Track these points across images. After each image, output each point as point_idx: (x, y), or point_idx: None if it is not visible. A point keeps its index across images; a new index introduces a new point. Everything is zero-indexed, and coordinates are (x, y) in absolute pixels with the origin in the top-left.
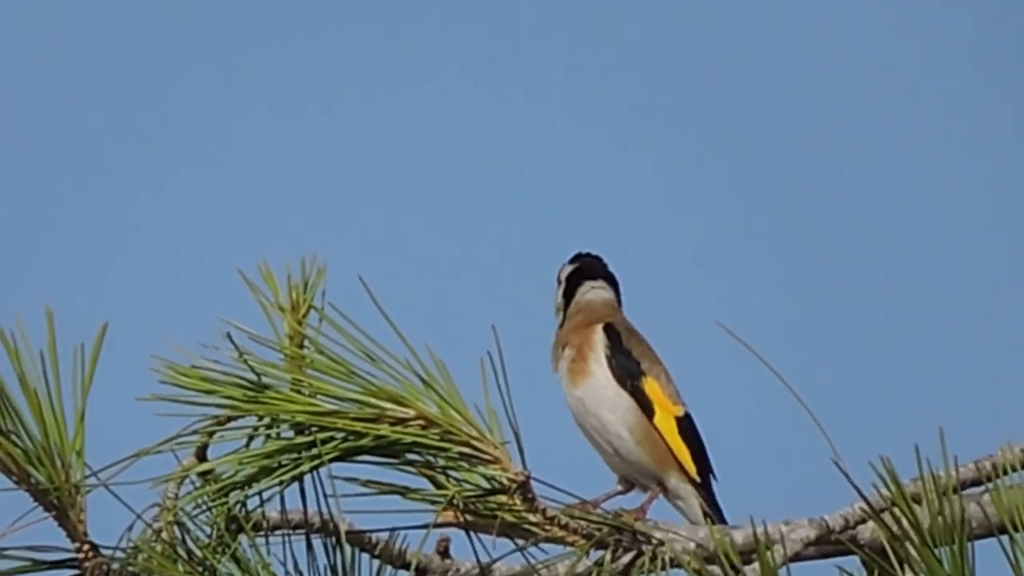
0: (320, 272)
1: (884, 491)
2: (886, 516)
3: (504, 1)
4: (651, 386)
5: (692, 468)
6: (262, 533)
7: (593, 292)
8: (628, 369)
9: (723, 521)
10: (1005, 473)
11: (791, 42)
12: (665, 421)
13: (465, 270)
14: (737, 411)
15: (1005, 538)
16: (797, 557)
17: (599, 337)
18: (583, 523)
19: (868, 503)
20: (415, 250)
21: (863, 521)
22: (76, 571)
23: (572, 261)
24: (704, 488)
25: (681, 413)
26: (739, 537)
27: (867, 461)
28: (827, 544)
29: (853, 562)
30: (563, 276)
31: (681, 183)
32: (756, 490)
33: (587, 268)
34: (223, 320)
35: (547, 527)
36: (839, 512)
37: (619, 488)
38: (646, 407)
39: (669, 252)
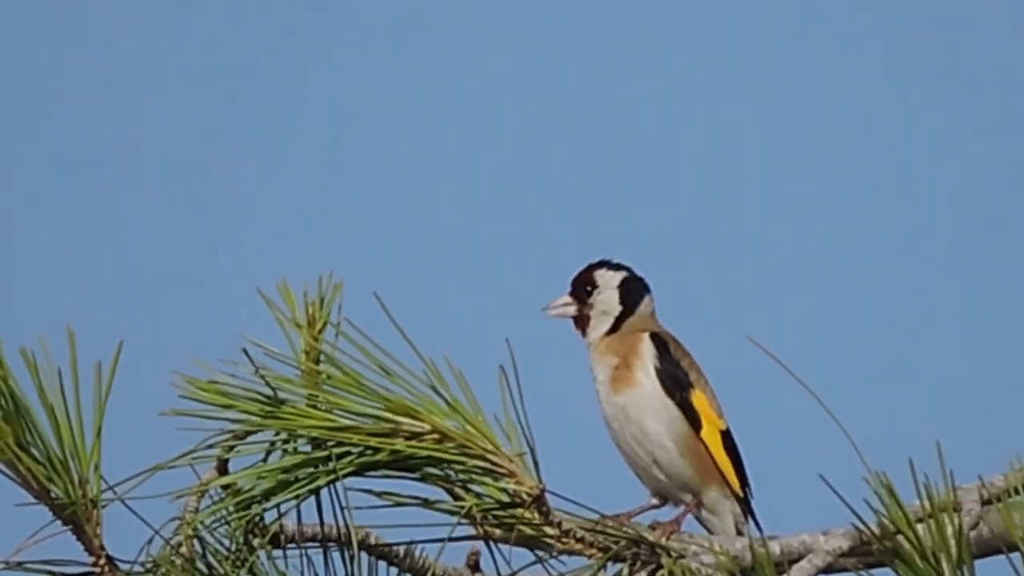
0: (336, 288)
1: (882, 510)
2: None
3: None
4: (699, 399)
5: (735, 482)
6: (281, 546)
7: (650, 308)
8: (677, 380)
9: (762, 533)
10: (1017, 492)
11: None
12: (711, 435)
13: (478, 282)
14: (781, 419)
15: (1014, 555)
16: (831, 569)
17: (647, 347)
18: (600, 537)
19: (864, 523)
20: (429, 264)
21: (898, 532)
22: None
23: (613, 268)
24: (744, 502)
25: (724, 428)
26: (776, 548)
27: (861, 477)
28: (864, 556)
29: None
30: (604, 282)
31: None
32: (799, 500)
33: (640, 281)
34: (241, 336)
35: (564, 540)
36: (872, 523)
37: (654, 502)
38: (693, 420)
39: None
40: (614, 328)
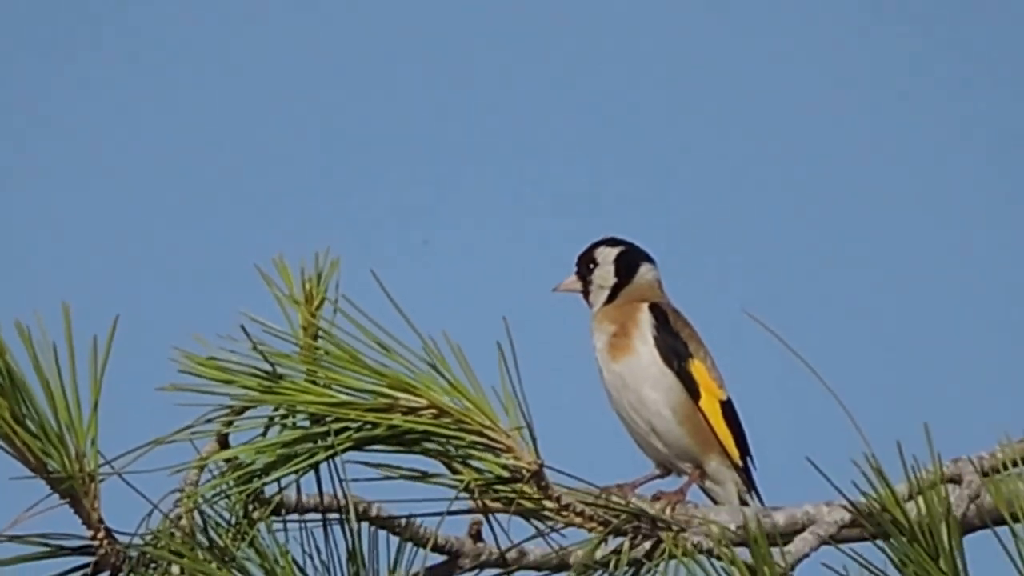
0: (333, 265)
1: (871, 492)
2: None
3: None
4: (698, 369)
5: (735, 452)
6: (281, 519)
7: (651, 274)
8: (675, 350)
9: (762, 503)
10: (1005, 468)
11: None
12: (710, 404)
13: (476, 259)
14: (781, 393)
15: (1002, 529)
16: (833, 539)
17: (645, 316)
18: (600, 510)
19: (851, 503)
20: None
21: (884, 510)
22: (91, 558)
23: (610, 244)
24: (745, 472)
25: (725, 398)
26: (780, 519)
27: (851, 459)
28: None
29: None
30: (603, 259)
31: None
32: (801, 472)
33: (638, 251)
34: (239, 312)
35: (563, 514)
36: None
37: (657, 472)
38: (692, 389)
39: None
40: (611, 298)
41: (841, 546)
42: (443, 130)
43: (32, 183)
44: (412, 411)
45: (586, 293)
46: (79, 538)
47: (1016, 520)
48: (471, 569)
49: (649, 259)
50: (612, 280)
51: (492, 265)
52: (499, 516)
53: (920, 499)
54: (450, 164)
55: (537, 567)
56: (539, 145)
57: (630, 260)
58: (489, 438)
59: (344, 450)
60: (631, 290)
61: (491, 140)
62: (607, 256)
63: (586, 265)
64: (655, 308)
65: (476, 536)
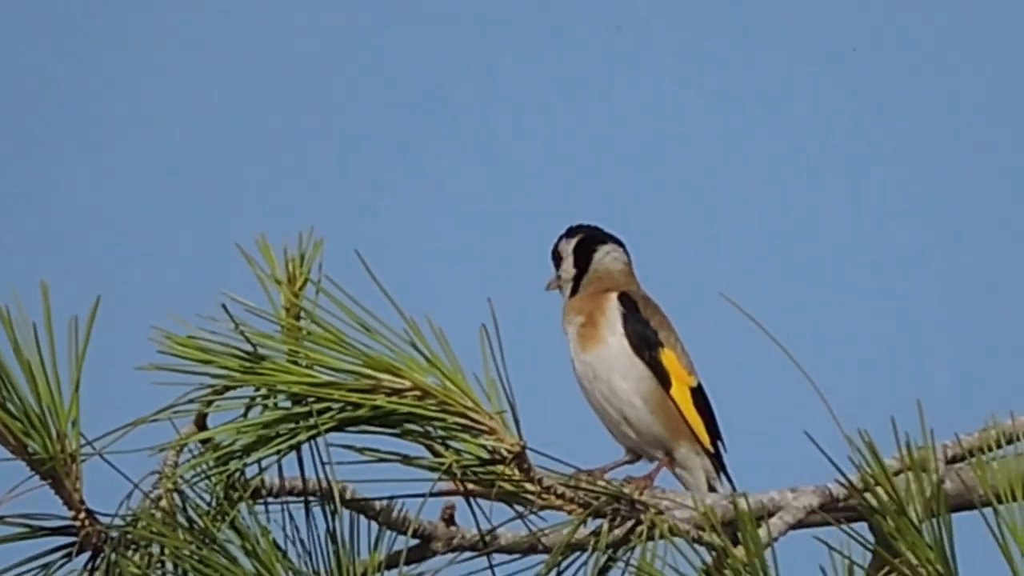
0: (317, 245)
1: (864, 467)
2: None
3: None
4: (668, 356)
5: (705, 437)
6: (262, 500)
7: (609, 258)
8: (645, 339)
9: (734, 489)
10: (990, 449)
11: None
12: (680, 392)
13: (462, 241)
14: (752, 379)
15: (988, 511)
16: (801, 524)
17: (613, 305)
18: (580, 492)
19: (845, 477)
20: (412, 222)
21: (866, 489)
22: (73, 538)
23: (570, 235)
24: (715, 458)
25: (695, 384)
26: (745, 505)
27: (844, 434)
28: (835, 510)
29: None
30: (565, 251)
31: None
32: (768, 458)
33: (595, 235)
34: (221, 292)
35: (544, 496)
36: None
37: (627, 458)
38: (663, 378)
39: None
40: (575, 289)
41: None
42: (433, 109)
43: (9, 160)
44: (395, 392)
45: (561, 288)
46: (60, 519)
47: (985, 505)
48: (443, 553)
49: (607, 241)
50: (572, 271)
51: (481, 247)
52: (480, 501)
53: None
54: (439, 146)
55: (509, 550)
56: (528, 132)
57: (586, 247)
58: (472, 419)
59: (327, 430)
60: (593, 277)
61: (480, 127)
62: (567, 248)
63: (556, 260)
64: (624, 297)
65: (449, 520)
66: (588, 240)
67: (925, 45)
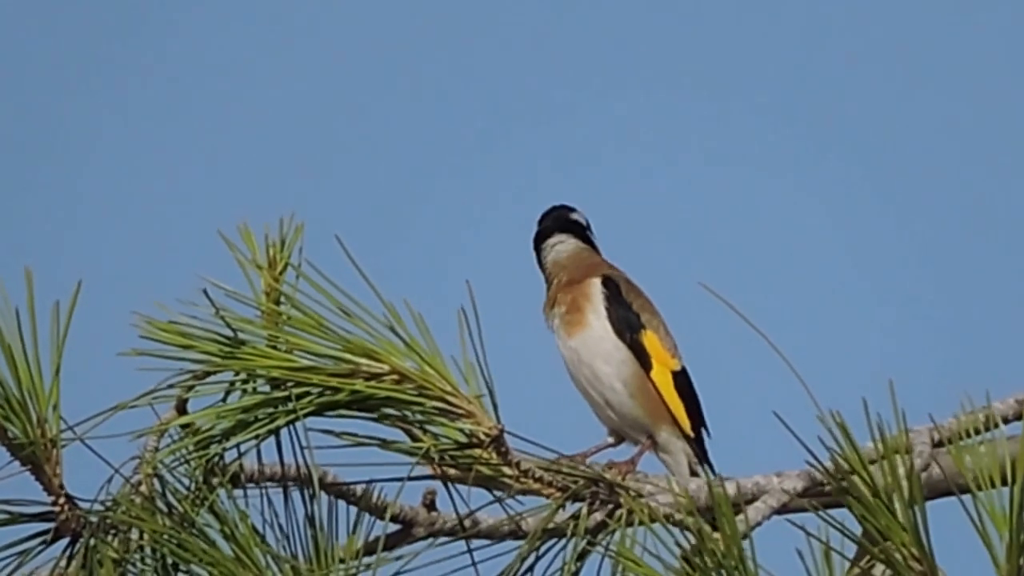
0: (298, 230)
1: (835, 448)
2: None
3: None
4: (650, 339)
5: (686, 422)
6: (241, 485)
7: (554, 251)
8: (628, 322)
9: (714, 474)
10: (968, 436)
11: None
12: (662, 375)
13: (441, 224)
14: (734, 364)
15: (966, 497)
16: (785, 508)
17: (597, 290)
18: (558, 477)
19: (819, 462)
20: (392, 207)
21: (852, 473)
22: (52, 524)
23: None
24: (696, 442)
25: (678, 367)
26: (731, 489)
27: (816, 416)
28: (820, 496)
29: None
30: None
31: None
32: (753, 443)
33: (544, 229)
34: (201, 277)
35: (522, 480)
36: (828, 464)
37: (609, 441)
38: (644, 360)
39: None
40: (548, 281)
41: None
42: (417, 97)
43: None
44: (374, 376)
45: None
46: (41, 504)
47: (964, 491)
48: (424, 538)
49: (552, 233)
50: (538, 268)
51: (461, 230)
52: (460, 486)
53: (883, 463)
54: (418, 131)
55: (489, 535)
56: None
57: (538, 246)
58: (450, 403)
59: (306, 415)
60: (553, 272)
61: (459, 109)
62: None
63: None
64: (607, 280)
65: (430, 506)
66: (537, 239)
67: (894, 41)
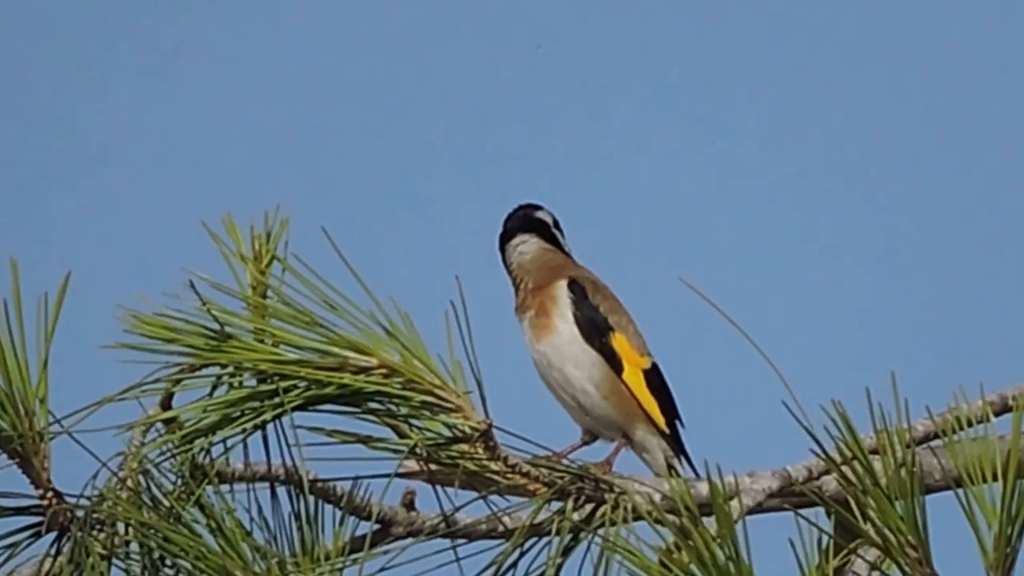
0: (283, 223)
1: (837, 436)
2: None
3: None
4: (619, 341)
5: (660, 419)
6: (227, 480)
7: (517, 252)
8: (596, 325)
9: (693, 468)
10: (962, 428)
11: None
12: (633, 376)
13: (431, 218)
14: (707, 361)
15: (961, 490)
16: (760, 508)
17: (563, 293)
18: (545, 471)
19: (822, 448)
20: (381, 201)
21: (826, 472)
22: (40, 517)
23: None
24: (672, 438)
25: (648, 365)
26: (704, 488)
27: (819, 404)
28: (791, 496)
29: (816, 513)
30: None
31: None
32: (725, 441)
33: (508, 231)
34: (186, 270)
35: (509, 475)
36: (803, 463)
37: (584, 440)
38: (614, 363)
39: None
40: (515, 284)
41: (769, 514)
42: (402, 86)
43: None
44: (362, 371)
45: None
46: (28, 497)
47: (958, 485)
48: (404, 537)
49: (515, 233)
50: (504, 270)
51: (450, 226)
52: (443, 487)
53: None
54: (408, 121)
55: (468, 534)
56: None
57: (502, 247)
58: (439, 397)
59: (293, 409)
60: (519, 274)
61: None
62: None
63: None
64: (573, 284)
65: (410, 505)
66: (502, 240)
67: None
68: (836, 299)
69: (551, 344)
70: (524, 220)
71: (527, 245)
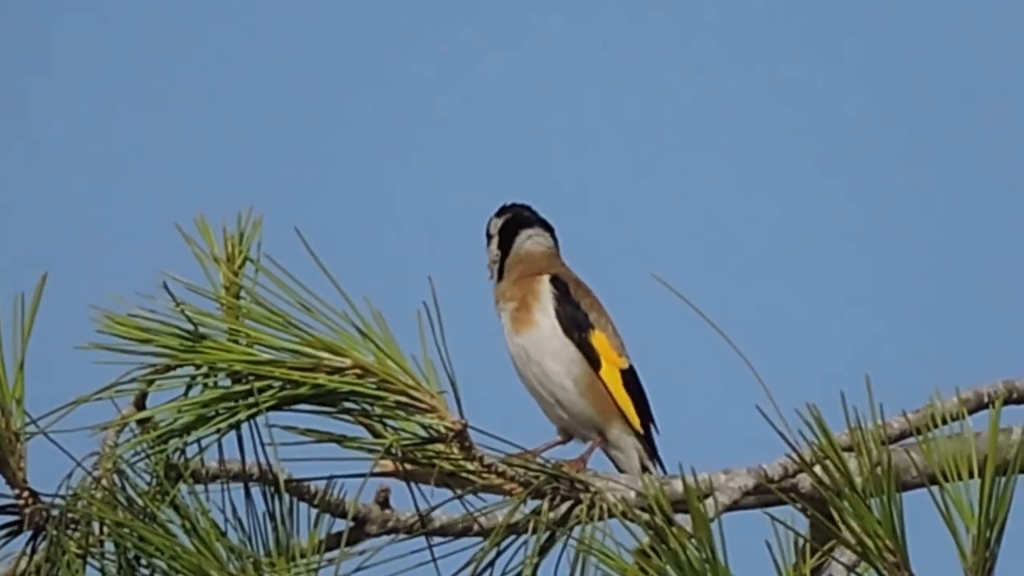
0: (256, 224)
1: (812, 439)
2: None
3: None
4: (598, 338)
5: (635, 420)
6: (202, 480)
7: (531, 241)
8: (576, 321)
9: (664, 471)
10: (937, 425)
11: None
12: (611, 373)
13: (404, 220)
14: (681, 360)
15: (936, 488)
16: (736, 506)
17: (546, 288)
18: (520, 471)
19: (795, 451)
20: (352, 201)
21: (801, 470)
22: (16, 517)
23: (500, 214)
24: (646, 439)
25: (626, 366)
26: (678, 487)
27: (793, 408)
28: (766, 493)
29: (792, 511)
30: (494, 230)
31: None
32: (699, 440)
33: (521, 217)
34: (160, 271)
35: (484, 475)
36: (778, 461)
37: (558, 438)
38: (593, 359)
39: None
40: (501, 272)
41: (744, 512)
42: (368, 84)
43: None
44: (337, 371)
45: (490, 268)
46: (4, 497)
47: (933, 483)
48: (378, 535)
49: (532, 224)
50: (497, 253)
51: (423, 227)
52: (418, 486)
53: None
54: (381, 118)
55: (443, 533)
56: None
57: (511, 229)
58: (413, 398)
59: (267, 409)
60: (514, 260)
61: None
62: (496, 227)
63: (488, 239)
64: (556, 280)
65: (384, 503)
66: (513, 222)
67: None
68: (811, 297)
69: (530, 338)
70: (538, 216)
71: (543, 239)
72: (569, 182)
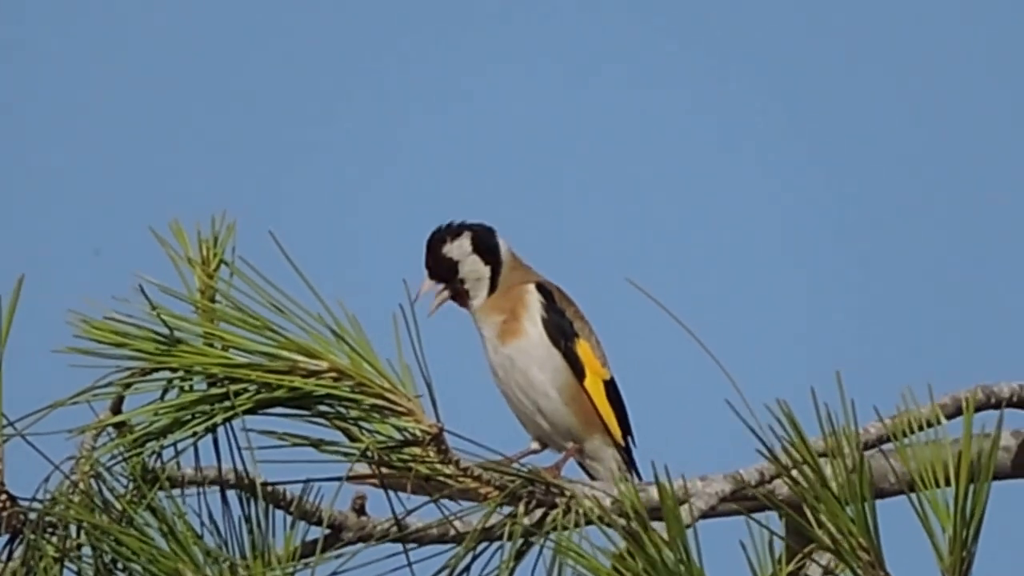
0: (230, 228)
1: (784, 436)
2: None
3: None
4: (583, 348)
5: (617, 432)
6: (178, 484)
7: (506, 246)
8: (562, 329)
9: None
10: (912, 431)
11: None
12: (594, 384)
13: (378, 222)
14: (656, 364)
15: (913, 494)
16: (713, 512)
17: (534, 297)
18: (496, 475)
19: (770, 452)
20: (328, 204)
21: (778, 475)
22: None
23: (454, 236)
24: (625, 451)
25: (608, 377)
26: (655, 493)
27: (763, 404)
28: (744, 500)
29: (769, 517)
30: (466, 250)
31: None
32: (675, 449)
33: (483, 230)
34: (135, 275)
35: (461, 478)
36: (755, 466)
37: (534, 447)
38: (577, 369)
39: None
40: (492, 287)
41: (722, 519)
42: (342, 90)
43: None
44: (312, 374)
45: (460, 294)
46: None
47: (910, 489)
48: (354, 542)
49: (494, 235)
50: (487, 270)
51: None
52: (395, 486)
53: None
54: (355, 125)
55: (419, 539)
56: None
57: (487, 243)
58: (389, 401)
59: (243, 412)
60: (508, 270)
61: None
62: (463, 249)
63: (444, 268)
64: (541, 288)
65: (360, 510)
66: (482, 235)
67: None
68: (782, 299)
69: (518, 347)
70: (486, 225)
71: (508, 244)
72: (534, 190)
